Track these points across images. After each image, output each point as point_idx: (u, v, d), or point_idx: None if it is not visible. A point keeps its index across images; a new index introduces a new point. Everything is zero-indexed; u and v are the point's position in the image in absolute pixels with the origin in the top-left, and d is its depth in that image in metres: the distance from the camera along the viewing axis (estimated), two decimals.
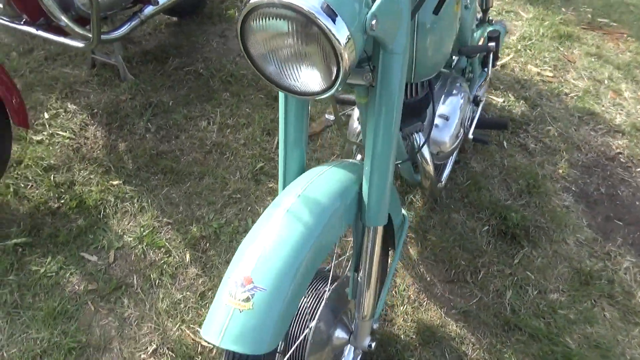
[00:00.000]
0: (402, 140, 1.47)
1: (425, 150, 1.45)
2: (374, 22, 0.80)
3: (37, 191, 1.88)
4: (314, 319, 1.09)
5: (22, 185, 1.90)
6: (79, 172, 1.95)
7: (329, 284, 1.14)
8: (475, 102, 1.76)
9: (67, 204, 1.84)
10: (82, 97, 2.24)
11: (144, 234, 1.75)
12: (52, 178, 1.92)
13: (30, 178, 1.92)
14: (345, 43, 0.76)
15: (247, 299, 0.84)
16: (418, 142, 1.42)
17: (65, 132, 2.09)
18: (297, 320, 1.11)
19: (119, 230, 1.78)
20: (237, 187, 1.91)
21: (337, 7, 0.75)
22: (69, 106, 2.20)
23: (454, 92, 1.60)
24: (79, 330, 1.52)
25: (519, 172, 1.98)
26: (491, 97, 2.35)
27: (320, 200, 0.94)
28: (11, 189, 1.87)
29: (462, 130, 1.60)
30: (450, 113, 1.55)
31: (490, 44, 1.68)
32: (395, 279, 1.65)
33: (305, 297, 1.13)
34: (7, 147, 1.73)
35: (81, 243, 1.74)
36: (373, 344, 1.17)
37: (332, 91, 0.82)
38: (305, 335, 1.09)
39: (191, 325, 1.53)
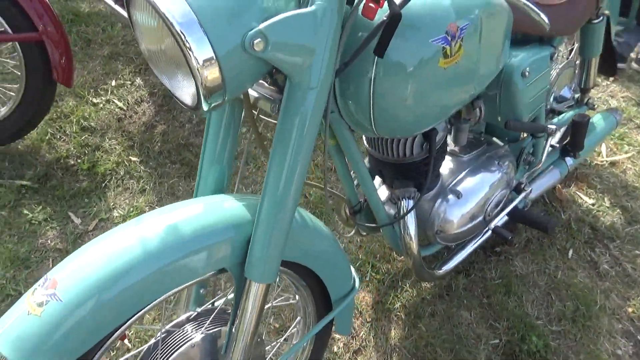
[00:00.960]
0: (390, 200, 1.21)
1: (411, 222, 1.17)
2: (257, 41, 0.66)
3: (65, 146, 1.94)
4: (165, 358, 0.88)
5: (57, 137, 1.97)
6: (108, 139, 1.98)
7: (204, 329, 0.92)
8: (518, 189, 1.41)
9: (81, 165, 1.86)
10: (152, 76, 2.30)
11: (130, 214, 1.69)
12: (83, 138, 1.96)
13: (66, 132, 1.99)
14: (204, 61, 0.64)
15: (41, 304, 0.69)
16: (404, 209, 1.14)
17: (121, 102, 2.15)
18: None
19: (112, 203, 1.73)
20: None
21: (204, 17, 0.63)
22: (137, 80, 2.27)
23: (489, 168, 1.29)
24: (26, 282, 1.48)
25: (571, 292, 1.54)
26: (579, 193, 1.92)
27: (189, 230, 0.77)
28: (47, 137, 1.95)
29: (482, 215, 1.28)
30: (470, 191, 1.25)
31: (550, 126, 1.35)
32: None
33: (168, 334, 0.92)
34: (47, 100, 1.80)
35: (74, 203, 1.73)
36: None
37: (202, 109, 0.70)
38: None
39: None
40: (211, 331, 0.91)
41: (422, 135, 1.11)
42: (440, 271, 1.34)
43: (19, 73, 1.71)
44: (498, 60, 1.06)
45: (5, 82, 1.90)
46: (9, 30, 1.64)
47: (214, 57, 0.64)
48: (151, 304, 0.76)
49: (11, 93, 1.79)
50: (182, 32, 0.62)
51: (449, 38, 0.86)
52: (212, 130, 0.91)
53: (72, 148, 1.92)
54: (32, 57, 1.67)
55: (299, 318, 1.14)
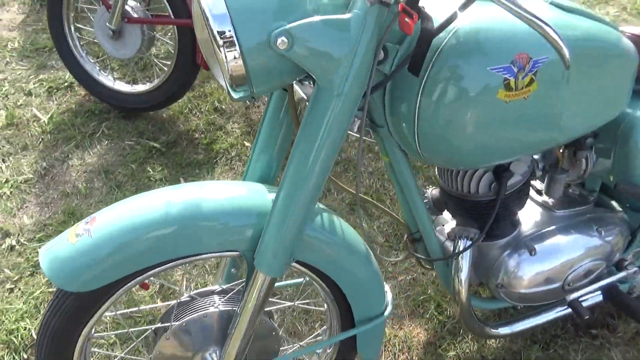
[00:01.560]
0: (450, 236, 1.16)
1: (464, 264, 1.11)
2: (281, 39, 0.70)
3: (196, 120, 2.21)
4: (179, 319, 0.98)
5: (193, 112, 2.25)
6: (232, 122, 2.20)
7: (220, 304, 1.00)
8: (619, 266, 1.24)
9: (202, 140, 2.10)
10: None
11: None
12: (212, 117, 2.21)
13: (201, 110, 2.26)
14: (228, 52, 0.71)
15: (78, 235, 0.85)
16: (459, 248, 1.09)
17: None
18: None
19: (216, 179, 1.94)
20: None
21: (235, 12, 0.70)
22: None
23: (584, 231, 1.17)
24: None
25: None
26: None
27: (212, 206, 0.87)
28: (185, 110, 2.24)
29: (560, 283, 1.16)
30: (549, 250, 1.14)
31: None
32: None
33: (191, 299, 1.02)
34: (190, 79, 2.06)
35: (187, 171, 1.97)
36: None
37: (236, 98, 0.78)
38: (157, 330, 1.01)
39: None
40: (225, 309, 0.99)
41: (493, 173, 1.06)
42: (497, 331, 1.25)
43: (173, 52, 2.01)
44: (607, 108, 0.97)
45: (162, 59, 2.23)
46: (172, 15, 1.93)
47: (239, 51, 0.70)
48: (170, 264, 0.88)
49: (165, 68, 2.10)
50: (213, 24, 0.69)
51: (515, 69, 0.82)
52: (267, 122, 0.99)
53: (201, 124, 2.18)
54: (185, 40, 1.94)
55: (325, 327, 1.17)
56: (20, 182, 1.90)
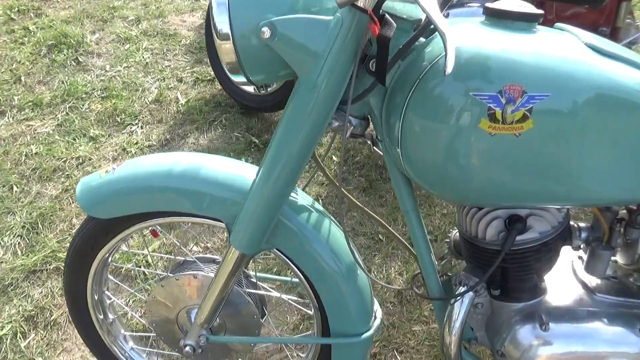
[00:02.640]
0: (455, 278, 1.10)
1: (459, 312, 1.03)
2: (264, 29, 0.79)
3: None
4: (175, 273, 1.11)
5: None
6: (325, 134, 2.32)
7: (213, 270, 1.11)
8: None
9: None
10: None
11: None
12: None
13: None
14: (222, 37, 0.80)
15: (106, 172, 1.03)
16: (455, 293, 1.03)
17: None
18: None
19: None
20: None
21: (233, 3, 0.80)
22: None
23: (617, 324, 1.02)
24: None
25: None
26: None
27: (207, 174, 1.01)
28: None
29: None
30: (563, 332, 1.01)
31: None
32: None
33: (197, 260, 1.15)
34: None
35: None
36: (187, 348, 1.08)
37: (235, 80, 0.88)
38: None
39: None
40: (212, 275, 1.09)
41: (505, 220, 0.98)
42: None
43: None
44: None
45: None
46: None
47: (231, 36, 0.80)
48: (170, 217, 1.04)
49: None
50: (214, 11, 0.80)
51: (503, 100, 0.77)
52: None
53: None
54: None
55: (311, 332, 1.20)
56: (145, 147, 2.27)
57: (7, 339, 1.50)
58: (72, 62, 2.70)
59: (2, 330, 1.52)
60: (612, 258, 1.07)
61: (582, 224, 1.04)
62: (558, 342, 1.00)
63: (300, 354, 1.25)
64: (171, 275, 1.14)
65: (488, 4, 0.84)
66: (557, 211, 0.96)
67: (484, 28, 0.82)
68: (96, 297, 1.20)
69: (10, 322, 1.54)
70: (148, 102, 2.51)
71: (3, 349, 1.48)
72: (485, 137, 0.79)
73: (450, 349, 1.06)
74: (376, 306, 1.15)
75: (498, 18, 0.83)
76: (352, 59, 0.80)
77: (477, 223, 0.98)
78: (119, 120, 2.34)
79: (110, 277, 1.21)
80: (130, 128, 2.31)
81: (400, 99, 0.84)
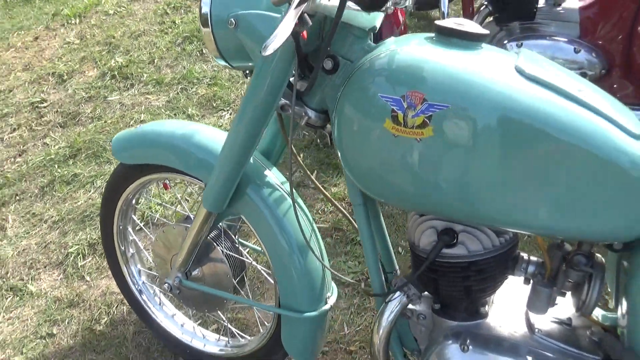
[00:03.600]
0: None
1: (388, 313, 1.06)
2: (231, 19, 0.97)
3: None
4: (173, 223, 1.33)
5: None
6: None
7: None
8: None
9: None
10: None
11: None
12: None
13: None
14: (204, 24, 1.00)
15: (136, 128, 1.29)
16: (391, 308, 1.06)
17: None
18: None
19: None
20: None
21: None
22: None
23: None
24: None
25: None
26: None
27: (197, 138, 1.22)
28: None
29: None
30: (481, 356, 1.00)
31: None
32: None
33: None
34: None
35: (320, 170, 2.28)
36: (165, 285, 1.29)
37: (219, 63, 1.09)
38: None
39: None
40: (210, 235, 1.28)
41: (438, 232, 0.99)
42: None
43: None
44: (583, 220, 0.81)
45: None
46: None
47: (210, 25, 0.99)
48: (172, 173, 1.26)
49: None
50: (202, 3, 1.00)
51: (405, 104, 0.83)
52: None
53: None
54: None
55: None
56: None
57: (71, 256, 1.87)
58: (198, 53, 3.14)
59: (71, 248, 1.89)
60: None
61: (533, 257, 1.01)
62: None
63: (266, 322, 1.38)
64: (171, 224, 1.36)
65: (437, 22, 0.90)
66: (495, 234, 0.96)
67: (421, 41, 0.89)
68: (120, 228, 1.47)
69: (78, 244, 1.91)
70: (242, 94, 2.82)
71: (67, 263, 1.85)
72: (389, 137, 0.85)
73: (375, 347, 1.10)
74: (331, 294, 1.23)
75: (444, 35, 0.89)
76: (292, 52, 0.93)
77: (415, 229, 1.02)
78: (214, 104, 2.68)
79: (134, 217, 1.47)
80: (221, 113, 2.63)
81: (335, 95, 0.94)
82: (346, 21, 0.94)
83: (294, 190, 1.13)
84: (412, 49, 0.87)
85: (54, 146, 2.39)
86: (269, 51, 0.76)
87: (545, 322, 1.02)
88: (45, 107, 2.68)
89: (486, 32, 0.89)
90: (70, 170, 2.22)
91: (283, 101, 1.02)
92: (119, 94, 2.72)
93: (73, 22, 3.53)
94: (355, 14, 0.95)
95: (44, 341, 1.60)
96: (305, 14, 0.86)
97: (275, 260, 1.18)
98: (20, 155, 2.38)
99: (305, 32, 0.89)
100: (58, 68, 2.97)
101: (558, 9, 1.88)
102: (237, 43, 1.01)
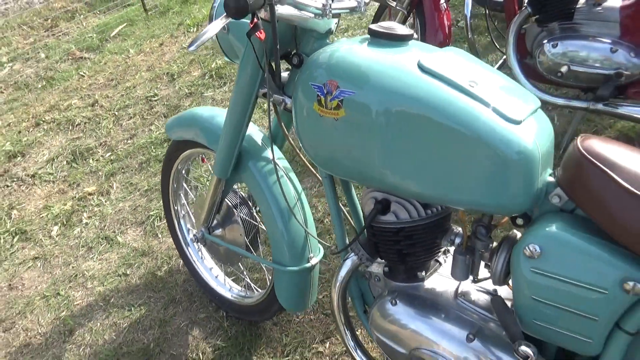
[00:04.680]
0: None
1: (344, 270, 1.24)
2: (226, 26, 1.28)
3: None
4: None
5: None
6: None
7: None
8: None
9: None
10: None
11: None
12: None
13: None
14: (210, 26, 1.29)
15: (183, 112, 1.64)
16: (345, 266, 1.26)
17: None
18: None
19: None
20: None
21: (219, 6, 1.31)
22: None
23: (454, 323, 1.10)
24: None
25: None
26: None
27: (211, 116, 1.56)
28: None
29: (405, 352, 1.17)
30: (406, 312, 1.15)
31: None
32: None
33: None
34: None
35: None
36: (191, 235, 1.62)
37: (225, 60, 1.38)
38: None
39: None
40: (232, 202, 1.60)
41: (375, 201, 1.15)
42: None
43: None
44: (469, 193, 0.95)
45: None
46: None
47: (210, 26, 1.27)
48: (201, 148, 1.60)
49: None
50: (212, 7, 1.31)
51: (325, 90, 1.04)
52: None
53: None
54: None
55: None
56: None
57: (152, 218, 2.32)
58: None
59: (152, 212, 2.34)
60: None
61: (461, 230, 1.14)
62: (396, 316, 1.16)
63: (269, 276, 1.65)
64: (203, 190, 1.69)
65: (370, 25, 1.09)
66: (423, 207, 1.11)
67: (354, 41, 1.09)
68: (174, 193, 1.84)
69: (158, 209, 2.35)
70: None
71: (147, 223, 2.30)
72: (317, 116, 1.07)
73: (333, 301, 1.30)
74: (314, 254, 1.45)
75: (374, 37, 1.08)
76: (262, 49, 1.18)
77: (362, 199, 1.21)
78: None
79: (184, 184, 1.84)
80: None
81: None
82: (308, 27, 1.17)
83: (279, 162, 1.39)
84: (341, 47, 1.08)
85: (156, 132, 2.92)
86: (192, 48, 1.04)
87: (472, 290, 1.14)
88: (156, 100, 3.25)
89: (410, 32, 1.06)
90: (163, 152, 2.71)
91: (264, 90, 1.28)
92: (213, 91, 3.18)
93: (192, 30, 4.14)
94: (315, 21, 1.18)
95: (119, 278, 2.05)
96: (260, 20, 1.11)
97: (267, 221, 1.44)
98: (131, 138, 2.95)
99: (262, 34, 1.14)
100: (172, 69, 3.55)
101: (598, 8, 1.86)
102: (231, 44, 1.30)
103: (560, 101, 1.98)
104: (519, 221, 1.01)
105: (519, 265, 0.92)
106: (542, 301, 0.91)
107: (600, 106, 1.87)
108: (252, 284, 1.77)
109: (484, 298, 1.14)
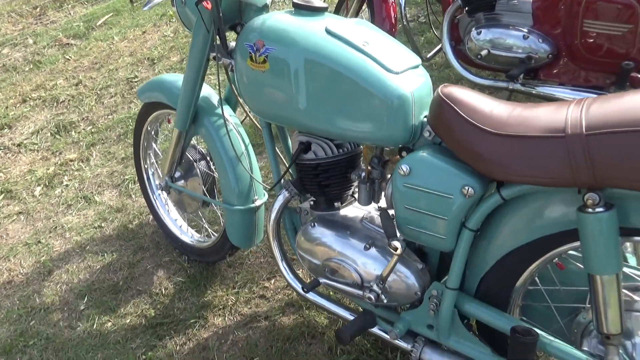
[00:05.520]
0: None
1: (279, 202, 1.54)
2: (182, 0, 1.53)
3: None
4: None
5: None
6: None
7: None
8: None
9: None
10: None
11: None
12: None
13: None
14: (172, 5, 1.55)
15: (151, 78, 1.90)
16: (278, 200, 1.54)
17: None
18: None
19: None
20: None
21: None
22: None
23: (356, 237, 1.38)
24: None
25: None
26: None
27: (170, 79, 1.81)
28: None
29: (319, 262, 1.46)
30: (319, 231, 1.43)
31: None
32: None
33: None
34: None
35: None
36: (157, 183, 1.89)
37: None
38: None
39: None
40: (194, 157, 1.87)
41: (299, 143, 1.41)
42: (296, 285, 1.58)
43: None
44: (361, 130, 1.23)
45: None
46: None
47: (174, 5, 1.54)
48: (166, 109, 1.85)
49: None
50: None
51: (255, 48, 1.33)
52: None
53: None
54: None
55: None
56: None
57: (127, 182, 2.57)
58: None
59: (127, 176, 2.59)
60: None
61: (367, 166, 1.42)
62: (314, 236, 1.44)
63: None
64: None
65: (294, 0, 1.38)
66: (336, 147, 1.39)
67: (281, 13, 1.36)
68: (145, 147, 2.10)
69: (132, 174, 2.60)
70: None
71: (123, 185, 2.55)
72: (250, 70, 1.35)
73: (268, 228, 1.56)
74: (259, 197, 1.72)
75: (297, 8, 1.36)
76: (210, 18, 1.45)
77: (292, 143, 1.48)
78: None
79: (154, 144, 2.10)
80: None
81: None
82: (247, 1, 1.45)
83: (229, 118, 1.67)
84: (270, 16, 1.36)
85: (134, 109, 3.17)
86: (146, 8, 1.31)
87: (374, 213, 1.42)
88: (136, 81, 3.50)
89: (324, 5, 1.34)
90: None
91: (214, 54, 1.55)
92: None
93: (173, 21, 4.39)
94: None
95: (95, 230, 2.30)
96: None
97: (218, 167, 1.71)
98: (111, 114, 3.20)
99: (208, 4, 1.41)
100: (152, 54, 3.81)
101: (514, 1, 2.17)
102: (188, 15, 1.57)
103: (486, 82, 2.28)
104: (404, 154, 1.29)
105: (395, 182, 1.21)
106: (412, 209, 1.19)
107: (517, 86, 2.17)
108: (209, 229, 2.04)
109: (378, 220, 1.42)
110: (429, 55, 2.57)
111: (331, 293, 1.69)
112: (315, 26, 1.29)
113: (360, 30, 1.30)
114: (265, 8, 1.48)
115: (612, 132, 0.90)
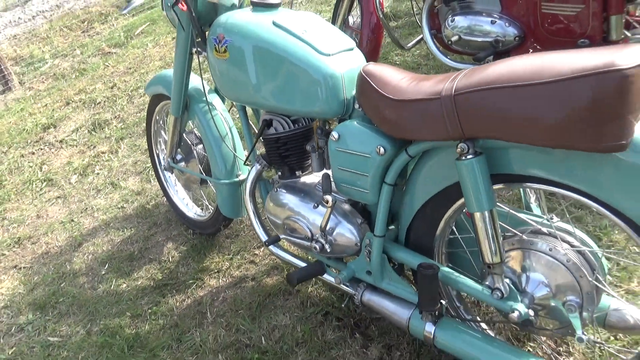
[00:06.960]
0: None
1: (252, 173, 1.80)
2: (168, 3, 1.79)
3: None
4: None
5: None
6: None
7: None
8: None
9: None
10: None
11: None
12: None
13: None
14: (162, 9, 1.82)
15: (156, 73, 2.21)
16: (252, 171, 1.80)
17: None
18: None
19: None
20: None
21: None
22: None
23: (306, 197, 1.62)
24: None
25: None
26: None
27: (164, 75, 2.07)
28: None
29: (280, 221, 1.70)
30: (280, 194, 1.69)
31: None
32: None
33: None
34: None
35: None
36: (163, 162, 2.19)
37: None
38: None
39: None
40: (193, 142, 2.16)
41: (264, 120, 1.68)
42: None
43: None
44: (299, 103, 1.48)
45: None
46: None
47: (163, 9, 1.82)
48: (166, 100, 2.14)
49: None
50: None
51: (218, 40, 1.58)
52: None
53: None
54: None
55: None
56: None
57: (148, 170, 2.90)
58: None
59: (148, 164, 2.93)
60: None
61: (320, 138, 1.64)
62: (277, 198, 1.69)
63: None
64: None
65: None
66: (292, 122, 1.63)
67: (244, 10, 1.61)
68: (155, 134, 2.41)
69: None
70: None
71: (144, 173, 2.89)
72: (216, 59, 1.61)
73: (245, 195, 1.82)
74: (242, 171, 1.98)
75: (255, 6, 1.61)
76: (187, 18, 1.72)
77: (260, 121, 1.73)
78: None
79: (162, 132, 2.41)
80: None
81: None
82: (217, 2, 1.71)
83: (215, 103, 1.94)
84: (233, 14, 1.61)
85: None
86: (123, 12, 1.58)
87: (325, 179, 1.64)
88: None
89: (277, 2, 1.58)
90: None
91: (196, 48, 1.83)
92: (209, 73, 3.77)
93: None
94: None
95: (118, 210, 2.65)
96: None
97: (206, 147, 1.99)
98: (139, 112, 3.58)
99: (184, 6, 1.68)
100: None
101: None
102: (174, 16, 1.85)
103: (462, 66, 2.43)
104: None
105: (330, 147, 1.43)
106: (343, 169, 1.41)
107: None
108: (209, 205, 2.32)
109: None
110: (409, 45, 2.75)
111: (293, 250, 1.93)
112: (265, 19, 1.53)
113: (303, 21, 1.53)
114: (232, 8, 1.73)
115: (474, 90, 1.08)
